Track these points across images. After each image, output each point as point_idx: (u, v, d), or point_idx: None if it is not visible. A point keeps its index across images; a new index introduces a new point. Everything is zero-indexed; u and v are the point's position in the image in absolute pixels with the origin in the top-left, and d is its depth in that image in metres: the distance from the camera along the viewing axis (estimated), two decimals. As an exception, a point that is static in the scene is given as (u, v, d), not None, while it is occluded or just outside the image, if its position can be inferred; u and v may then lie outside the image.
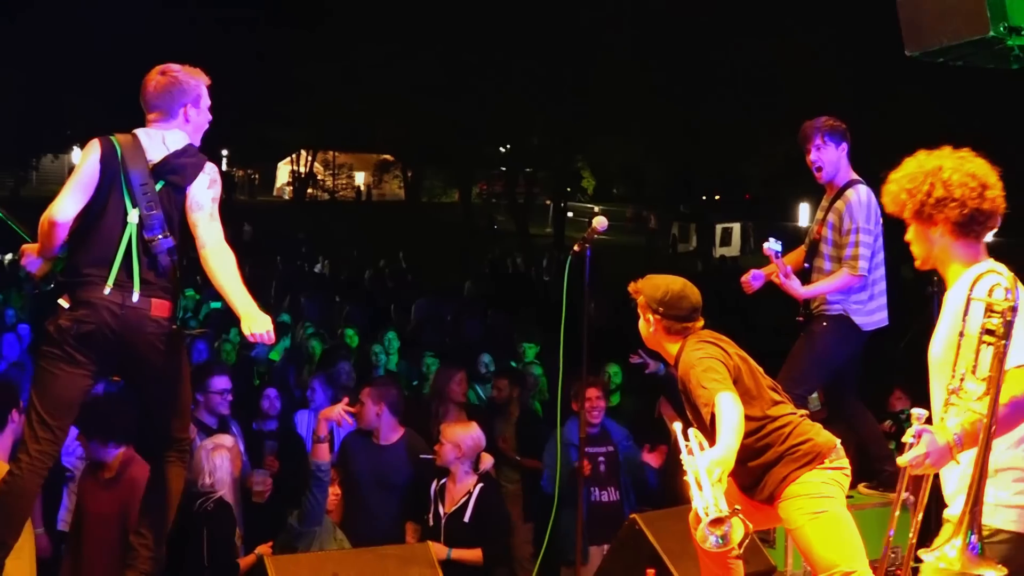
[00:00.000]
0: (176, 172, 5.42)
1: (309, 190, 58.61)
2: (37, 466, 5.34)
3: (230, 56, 29.35)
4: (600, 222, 6.21)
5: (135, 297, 5.29)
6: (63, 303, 5.31)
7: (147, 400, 5.63)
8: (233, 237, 5.57)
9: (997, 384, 3.84)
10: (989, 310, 3.93)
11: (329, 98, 40.54)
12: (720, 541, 4.43)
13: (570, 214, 49.92)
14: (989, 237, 4.32)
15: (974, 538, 3.75)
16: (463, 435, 7.45)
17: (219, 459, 6.92)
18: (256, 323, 5.25)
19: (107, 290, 5.26)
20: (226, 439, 7.18)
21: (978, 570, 3.76)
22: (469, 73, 37.82)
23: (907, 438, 4.06)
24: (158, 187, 5.37)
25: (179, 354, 5.60)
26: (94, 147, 5.38)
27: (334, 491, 7.43)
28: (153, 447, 5.76)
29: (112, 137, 5.42)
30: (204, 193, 5.44)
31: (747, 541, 4.51)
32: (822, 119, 7.10)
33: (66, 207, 5.27)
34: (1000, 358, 3.86)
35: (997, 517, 4.07)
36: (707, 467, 4.55)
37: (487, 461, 7.66)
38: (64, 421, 5.42)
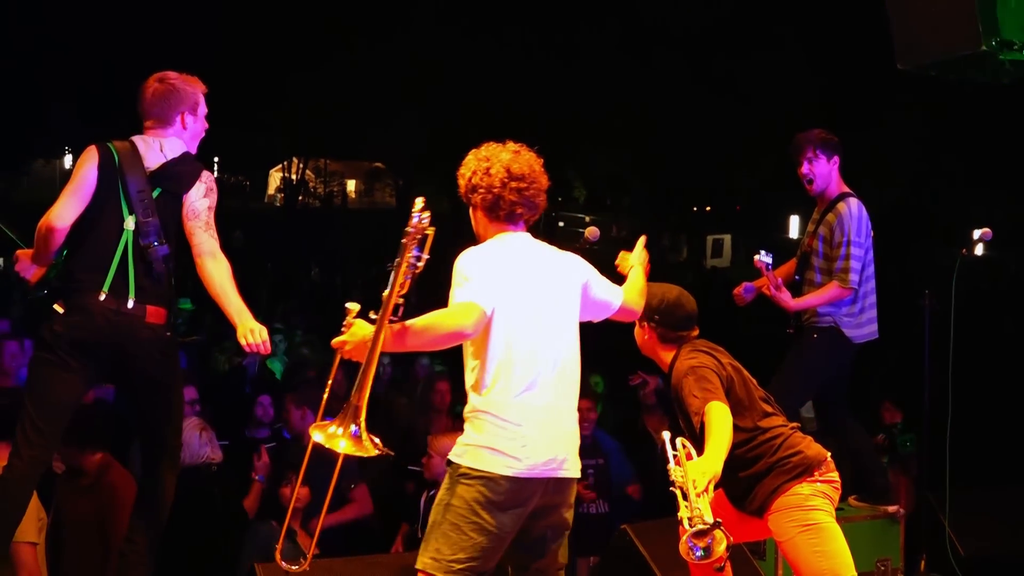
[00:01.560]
0: (173, 180, 5.44)
1: (300, 197, 58.53)
2: (30, 472, 5.34)
3: (222, 62, 29.34)
4: (592, 232, 6.22)
5: (130, 304, 5.29)
6: (58, 309, 5.31)
7: (140, 407, 5.61)
8: (224, 244, 5.56)
9: (389, 299, 4.47)
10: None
11: (320, 105, 40.49)
12: (704, 553, 4.43)
13: (561, 224, 49.87)
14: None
15: (355, 427, 4.39)
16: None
17: (208, 435, 7.05)
18: (252, 332, 5.27)
19: (102, 296, 5.26)
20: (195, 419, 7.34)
21: (358, 450, 4.46)
22: (460, 81, 37.82)
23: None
24: (155, 194, 5.38)
25: (173, 361, 5.61)
26: (91, 154, 5.38)
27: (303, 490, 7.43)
28: (145, 454, 5.75)
29: (109, 144, 5.43)
30: (200, 201, 5.45)
31: (729, 553, 4.52)
32: (815, 131, 7.11)
33: (64, 213, 5.27)
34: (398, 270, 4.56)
35: (468, 456, 4.53)
36: (693, 477, 4.57)
37: None
38: (57, 426, 5.41)
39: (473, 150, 4.85)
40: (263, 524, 7.24)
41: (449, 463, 4.59)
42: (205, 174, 5.53)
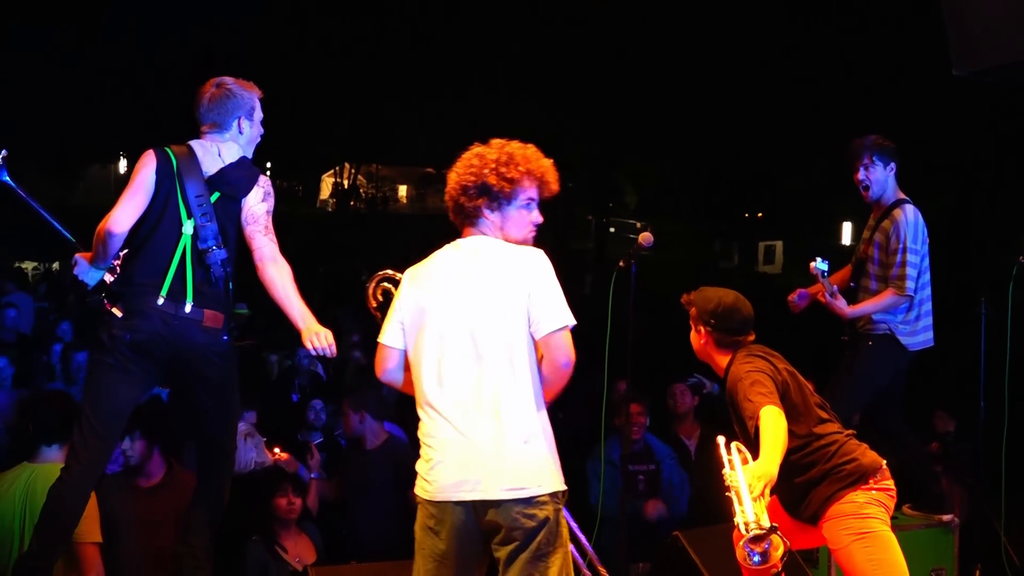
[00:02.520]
0: (231, 184, 5.45)
1: (352, 202, 58.78)
2: (87, 474, 5.38)
3: (274, 66, 29.50)
4: (646, 238, 6.20)
5: (188, 308, 5.32)
6: (116, 312, 5.35)
7: (196, 410, 5.64)
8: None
9: None
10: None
11: (371, 110, 40.64)
12: (761, 559, 4.41)
13: (612, 229, 49.76)
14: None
15: None
16: None
17: (254, 440, 7.05)
18: (317, 335, 5.26)
19: (160, 300, 5.29)
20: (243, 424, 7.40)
21: None
22: (511, 87, 37.83)
23: None
24: (213, 199, 5.40)
25: (230, 365, 5.62)
26: (149, 158, 5.41)
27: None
28: (201, 456, 5.78)
29: (167, 148, 5.45)
30: (259, 205, 5.47)
31: (786, 559, 4.50)
32: (871, 137, 7.07)
33: (123, 217, 5.29)
34: None
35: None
36: (749, 482, 4.54)
37: None
38: (114, 429, 5.45)
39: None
40: (252, 543, 7.21)
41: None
42: (262, 178, 5.54)
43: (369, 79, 38.95)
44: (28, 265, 28.41)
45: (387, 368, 4.63)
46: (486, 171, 4.56)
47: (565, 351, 4.46)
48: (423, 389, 4.49)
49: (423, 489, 4.44)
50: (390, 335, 4.60)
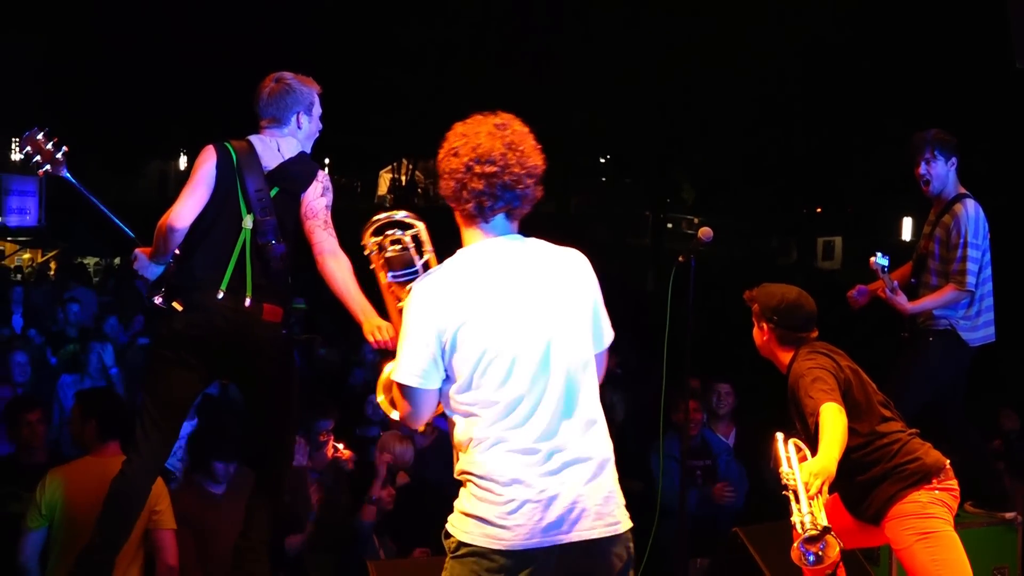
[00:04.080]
0: (291, 179, 5.47)
1: (414, 199, 58.98)
2: (148, 466, 5.44)
3: (333, 63, 29.61)
4: (706, 232, 6.16)
5: (247, 302, 5.34)
6: (176, 307, 5.38)
7: (255, 405, 5.67)
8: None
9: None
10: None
11: (428, 106, 40.77)
12: (816, 559, 4.40)
13: (669, 225, 49.63)
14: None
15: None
16: None
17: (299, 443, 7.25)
18: (379, 329, 5.25)
19: (220, 294, 5.32)
20: None
21: None
22: (567, 83, 37.81)
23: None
24: (272, 194, 5.42)
25: (289, 359, 5.66)
26: (209, 153, 5.43)
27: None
28: (260, 451, 5.81)
29: (227, 143, 5.48)
30: (318, 200, 5.48)
31: (840, 558, 4.47)
32: (933, 131, 6.99)
33: (184, 213, 5.31)
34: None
35: (459, 528, 3.77)
36: (805, 479, 4.51)
37: None
38: (175, 422, 5.50)
39: (457, 123, 3.95)
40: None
41: (446, 535, 3.82)
42: (321, 173, 5.56)
43: (428, 75, 39.03)
44: (90, 260, 28.72)
45: (424, 416, 3.86)
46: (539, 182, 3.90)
47: (605, 366, 4.02)
48: (492, 420, 3.69)
49: (495, 538, 3.64)
50: (426, 374, 3.74)
